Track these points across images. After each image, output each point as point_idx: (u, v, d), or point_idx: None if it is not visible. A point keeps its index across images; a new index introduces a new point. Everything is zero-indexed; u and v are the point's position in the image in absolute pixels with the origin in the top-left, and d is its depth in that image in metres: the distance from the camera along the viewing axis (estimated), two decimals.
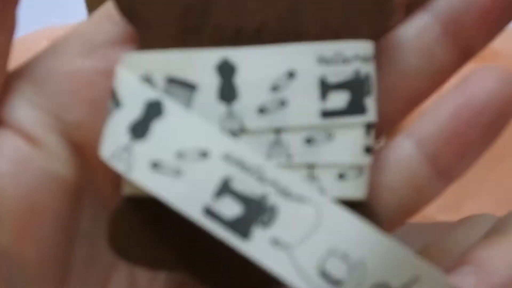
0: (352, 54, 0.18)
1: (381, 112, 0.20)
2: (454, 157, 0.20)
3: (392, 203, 0.20)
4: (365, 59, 0.19)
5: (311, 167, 0.18)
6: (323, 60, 0.18)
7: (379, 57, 0.20)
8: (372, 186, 0.20)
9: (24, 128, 0.18)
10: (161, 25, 0.18)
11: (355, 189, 0.19)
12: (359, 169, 0.19)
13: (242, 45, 0.18)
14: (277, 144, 0.18)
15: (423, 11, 0.20)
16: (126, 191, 0.18)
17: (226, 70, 0.18)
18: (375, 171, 0.20)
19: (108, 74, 0.19)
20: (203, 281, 0.19)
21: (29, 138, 0.18)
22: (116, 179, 0.19)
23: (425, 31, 0.20)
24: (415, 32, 0.20)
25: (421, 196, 0.21)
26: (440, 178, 0.20)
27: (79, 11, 0.45)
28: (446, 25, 0.20)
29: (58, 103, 0.19)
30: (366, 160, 0.19)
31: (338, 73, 0.18)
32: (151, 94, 0.18)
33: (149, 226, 0.18)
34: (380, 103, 0.19)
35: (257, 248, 0.17)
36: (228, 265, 0.19)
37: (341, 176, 0.19)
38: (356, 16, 0.19)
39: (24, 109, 0.19)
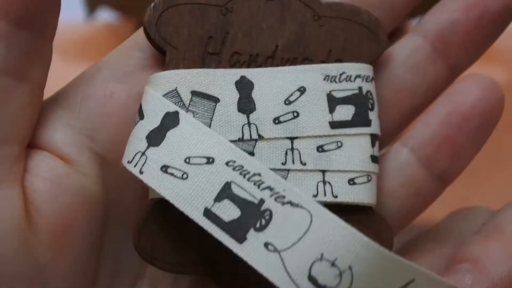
0: (355, 74, 0.21)
1: (381, 126, 0.21)
2: (448, 161, 0.21)
3: (393, 208, 0.22)
4: (366, 79, 0.21)
5: (323, 172, 0.20)
6: (329, 78, 0.21)
7: (377, 77, 0.22)
8: None
9: (60, 149, 0.20)
10: (186, 49, 0.21)
11: (365, 195, 0.20)
12: (368, 176, 0.21)
13: (258, 67, 0.21)
14: (291, 151, 0.20)
15: (413, 33, 0.22)
16: (153, 195, 0.20)
17: (244, 86, 0.20)
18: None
19: (140, 96, 0.20)
20: (223, 285, 0.20)
21: (64, 159, 0.20)
22: (143, 194, 0.21)
23: (417, 51, 0.22)
24: (408, 52, 0.22)
25: (420, 200, 0.22)
26: (437, 181, 0.22)
27: (76, 7, 0.45)
28: (435, 44, 0.22)
29: (92, 124, 0.20)
30: (373, 168, 0.21)
31: (343, 89, 0.21)
32: (170, 107, 0.20)
33: (173, 231, 0.20)
34: (380, 118, 0.21)
35: (251, 251, 0.18)
36: (249, 269, 0.19)
37: (352, 182, 0.20)
38: (356, 45, 0.21)
39: (59, 132, 0.20)
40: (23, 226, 0.19)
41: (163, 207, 0.20)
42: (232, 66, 0.21)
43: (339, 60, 0.21)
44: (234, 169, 0.19)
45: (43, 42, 0.19)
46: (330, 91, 0.21)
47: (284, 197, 0.18)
